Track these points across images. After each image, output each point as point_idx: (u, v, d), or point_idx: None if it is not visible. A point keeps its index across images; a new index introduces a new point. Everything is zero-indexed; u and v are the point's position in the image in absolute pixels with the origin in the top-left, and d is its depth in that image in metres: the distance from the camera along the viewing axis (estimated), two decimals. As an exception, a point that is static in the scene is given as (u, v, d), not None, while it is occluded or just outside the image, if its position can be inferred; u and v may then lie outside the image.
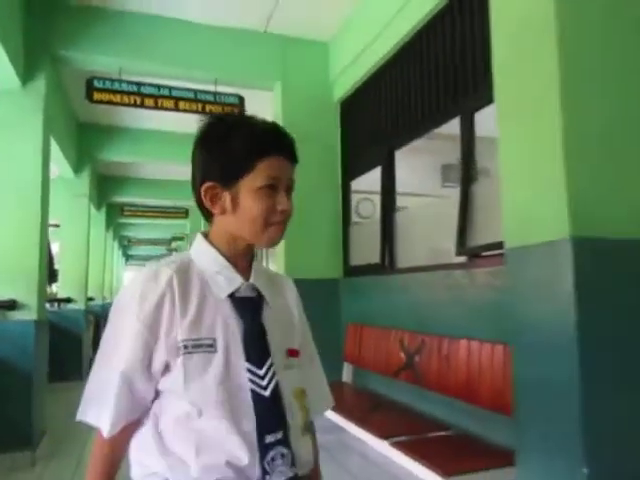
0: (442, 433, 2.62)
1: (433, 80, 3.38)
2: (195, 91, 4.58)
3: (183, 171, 9.33)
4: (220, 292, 0.97)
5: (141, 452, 0.94)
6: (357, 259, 4.57)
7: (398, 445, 2.45)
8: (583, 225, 1.56)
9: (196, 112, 4.55)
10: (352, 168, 4.69)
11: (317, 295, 4.53)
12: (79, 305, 7.00)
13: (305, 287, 4.24)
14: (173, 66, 4.41)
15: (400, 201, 4.13)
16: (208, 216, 1.03)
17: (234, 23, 4.52)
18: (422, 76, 3.53)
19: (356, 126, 4.66)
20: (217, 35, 4.52)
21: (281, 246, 4.66)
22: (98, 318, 9.14)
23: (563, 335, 1.57)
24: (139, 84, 4.38)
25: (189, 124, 4.68)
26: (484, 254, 2.66)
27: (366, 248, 4.35)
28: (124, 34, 4.24)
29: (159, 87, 4.46)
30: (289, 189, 1.00)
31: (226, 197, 0.98)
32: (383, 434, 2.61)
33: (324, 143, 4.79)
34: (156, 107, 4.44)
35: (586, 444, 1.49)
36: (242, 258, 1.03)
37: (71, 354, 6.76)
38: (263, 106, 5.40)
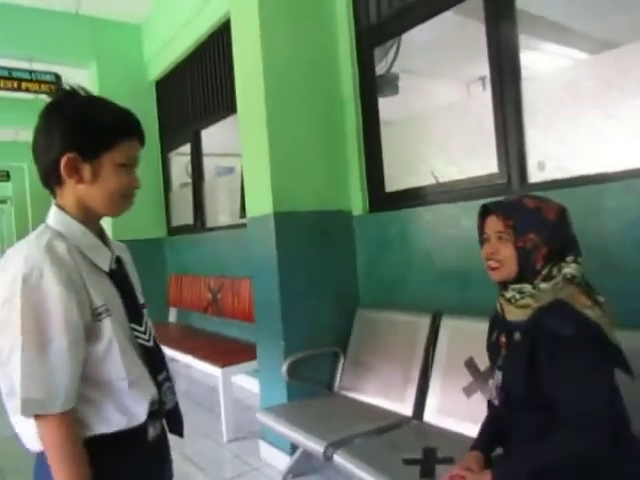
0: (230, 343, 3.74)
1: (225, 77, 4.21)
2: (10, 69, 4.82)
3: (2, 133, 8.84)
4: (102, 265, 1.06)
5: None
6: (178, 220, 5.39)
7: (199, 356, 3.47)
8: (278, 205, 2.65)
9: (12, 89, 4.82)
10: (169, 143, 5.41)
11: (145, 252, 5.30)
12: None
13: (134, 246, 4.98)
14: (-17, 43, 4.61)
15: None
16: (54, 185, 1.05)
17: (45, 5, 4.79)
18: (220, 70, 4.32)
19: (170, 106, 5.34)
20: (29, 14, 4.75)
21: (108, 212, 5.27)
22: None
23: (271, 269, 2.67)
24: (-53, 61, 4.51)
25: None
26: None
27: (184, 211, 5.18)
28: None
29: (-30, 65, 4.62)
30: (136, 167, 1.13)
31: (86, 169, 1.02)
32: (189, 351, 3.61)
33: (143, 121, 5.35)
34: (-31, 84, 4.62)
35: (284, 329, 2.64)
36: (94, 227, 1.09)
37: None
38: (82, 84, 5.76)
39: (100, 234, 1.11)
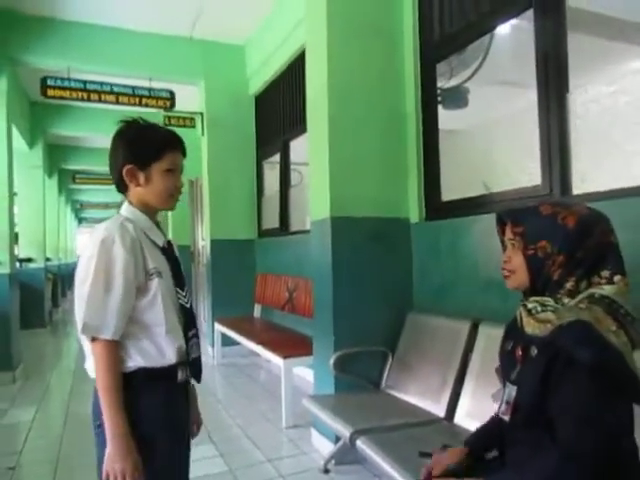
0: (298, 338, 4.01)
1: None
2: (133, 87, 5.57)
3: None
4: (158, 242, 1.40)
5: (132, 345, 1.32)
6: (267, 224, 5.83)
7: (268, 347, 3.79)
8: (336, 210, 2.86)
9: (134, 105, 5.56)
10: (263, 152, 5.88)
11: (238, 252, 5.82)
12: (39, 264, 8.02)
13: (229, 245, 5.54)
14: (114, 66, 5.41)
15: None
16: (123, 189, 1.42)
17: (165, 30, 5.51)
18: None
19: (265, 118, 5.81)
20: (151, 40, 5.52)
21: (207, 214, 5.87)
22: (55, 276, 10.11)
23: (327, 269, 2.89)
24: (85, 82, 5.35)
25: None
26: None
27: (273, 215, 5.59)
28: (72, 40, 5.19)
29: (102, 84, 5.43)
30: (181, 172, 1.45)
31: (141, 175, 1.37)
32: (260, 342, 3.95)
33: (242, 131, 5.95)
34: (100, 101, 5.43)
35: (334, 325, 2.84)
36: (152, 218, 1.43)
37: (34, 306, 7.81)
38: (191, 99, 6.46)
39: (156, 224, 1.46)
